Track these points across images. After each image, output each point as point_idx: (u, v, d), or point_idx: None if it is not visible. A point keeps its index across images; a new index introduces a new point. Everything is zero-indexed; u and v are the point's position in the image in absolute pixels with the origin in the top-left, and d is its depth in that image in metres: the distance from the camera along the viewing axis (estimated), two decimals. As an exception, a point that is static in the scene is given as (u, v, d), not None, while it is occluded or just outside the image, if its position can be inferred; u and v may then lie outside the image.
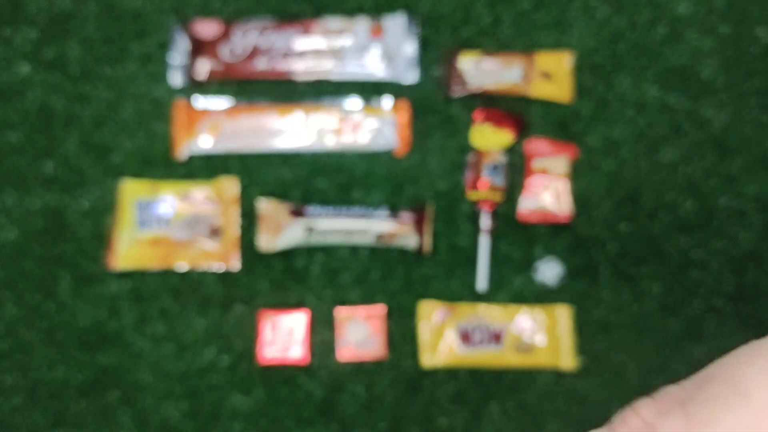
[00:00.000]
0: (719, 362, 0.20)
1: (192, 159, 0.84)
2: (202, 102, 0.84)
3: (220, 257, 0.82)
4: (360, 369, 0.82)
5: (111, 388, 0.81)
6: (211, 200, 0.83)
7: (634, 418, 0.19)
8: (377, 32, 0.84)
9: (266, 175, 0.84)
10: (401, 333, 0.82)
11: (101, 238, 0.82)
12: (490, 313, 0.81)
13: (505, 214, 0.83)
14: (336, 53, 0.84)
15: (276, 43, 0.84)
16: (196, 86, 0.84)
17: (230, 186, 0.83)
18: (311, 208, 0.81)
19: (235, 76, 0.84)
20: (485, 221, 0.82)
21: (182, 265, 0.82)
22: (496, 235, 0.83)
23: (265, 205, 0.82)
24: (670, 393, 0.20)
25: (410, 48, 0.84)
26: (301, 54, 0.84)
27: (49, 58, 0.84)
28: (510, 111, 0.84)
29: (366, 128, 0.83)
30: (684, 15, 0.85)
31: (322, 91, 0.84)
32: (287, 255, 0.82)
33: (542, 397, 0.81)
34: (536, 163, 0.83)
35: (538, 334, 0.81)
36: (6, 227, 0.82)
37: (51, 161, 0.83)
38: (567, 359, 0.81)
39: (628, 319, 0.82)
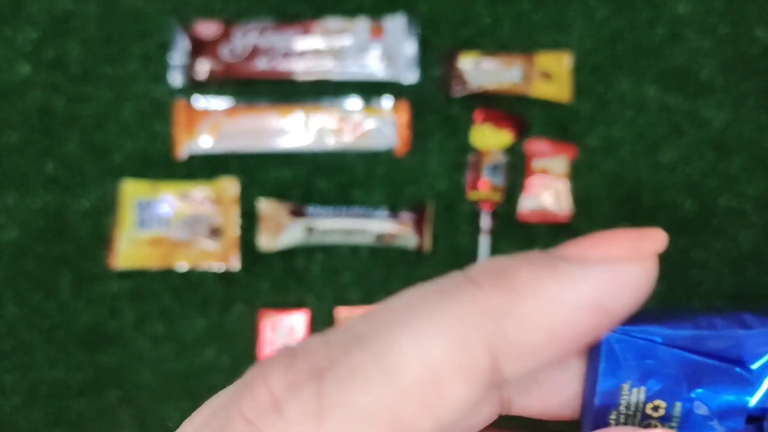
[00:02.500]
0: (378, 311, 0.16)
1: (192, 159, 0.84)
2: (202, 102, 0.84)
3: (220, 257, 0.82)
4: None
5: (111, 388, 0.81)
6: (211, 200, 0.83)
7: (262, 388, 0.15)
8: (377, 32, 0.84)
9: (266, 175, 0.84)
10: (401, 333, 0.82)
11: (101, 238, 0.82)
12: (490, 313, 0.81)
13: (505, 214, 0.83)
14: (336, 53, 0.84)
15: (276, 43, 0.84)
16: (196, 86, 0.84)
17: (230, 186, 0.83)
18: (311, 208, 0.82)
19: (235, 76, 0.84)
20: (485, 221, 0.82)
21: (182, 265, 0.82)
22: (496, 235, 0.83)
23: (265, 205, 0.82)
24: (310, 354, 0.15)
25: (410, 48, 0.84)
26: (301, 54, 0.84)
27: (50, 58, 0.84)
28: (510, 111, 0.84)
29: (366, 128, 0.83)
30: (683, 15, 0.85)
31: (322, 91, 0.84)
32: (287, 255, 0.82)
33: (542, 397, 0.81)
34: (536, 163, 0.83)
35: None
36: (7, 227, 0.83)
37: (51, 161, 0.83)
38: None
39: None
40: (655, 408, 0.18)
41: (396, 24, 0.84)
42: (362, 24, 0.84)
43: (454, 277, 0.16)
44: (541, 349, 0.15)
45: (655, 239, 0.17)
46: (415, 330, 0.15)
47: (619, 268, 0.16)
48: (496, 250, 0.83)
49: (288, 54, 0.84)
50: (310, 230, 0.81)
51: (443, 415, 0.14)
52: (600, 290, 0.16)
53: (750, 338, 0.19)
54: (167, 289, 0.82)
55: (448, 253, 0.83)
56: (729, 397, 0.19)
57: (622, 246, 0.16)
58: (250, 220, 0.83)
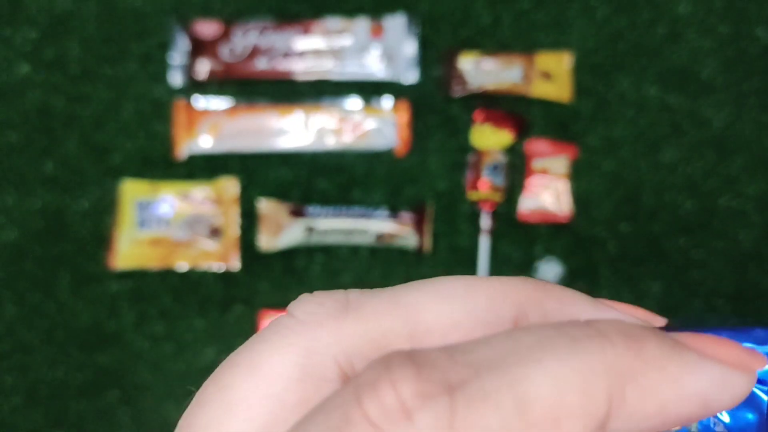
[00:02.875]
0: (502, 340, 0.16)
1: (192, 159, 0.84)
2: (202, 102, 0.84)
3: (220, 257, 0.82)
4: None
5: (111, 388, 0.81)
6: (211, 200, 0.83)
7: (389, 390, 0.15)
8: (377, 32, 0.84)
9: (266, 175, 0.84)
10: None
11: (101, 238, 0.82)
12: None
13: (505, 214, 0.83)
14: (336, 53, 0.84)
15: (276, 43, 0.84)
16: (196, 86, 0.84)
17: (230, 186, 0.83)
18: (311, 208, 0.81)
19: (235, 76, 0.84)
20: (485, 221, 0.82)
21: (182, 265, 0.82)
22: (496, 235, 0.83)
23: (265, 205, 0.82)
24: (438, 367, 0.16)
25: (410, 48, 0.84)
26: (301, 54, 0.84)
27: (49, 58, 0.84)
28: (510, 111, 0.84)
29: (366, 128, 0.83)
30: (683, 15, 0.85)
31: (322, 91, 0.84)
32: (287, 255, 0.82)
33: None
34: (536, 163, 0.83)
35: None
36: (6, 227, 0.82)
37: (51, 161, 0.83)
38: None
39: (628, 319, 0.82)
40: None
41: (396, 24, 0.84)
42: (362, 24, 0.84)
43: (583, 328, 0.17)
44: (647, 419, 0.17)
45: (761, 360, 0.18)
46: (548, 368, 0.16)
47: (731, 371, 0.18)
48: (496, 250, 0.83)
49: (288, 54, 0.84)
50: (310, 230, 0.81)
51: None
52: (712, 386, 0.17)
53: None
54: (167, 289, 0.82)
55: (448, 253, 0.83)
56: (747, 415, 0.20)
57: (735, 353, 0.18)
58: (250, 220, 0.83)
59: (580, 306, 0.19)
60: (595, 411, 0.15)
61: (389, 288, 0.19)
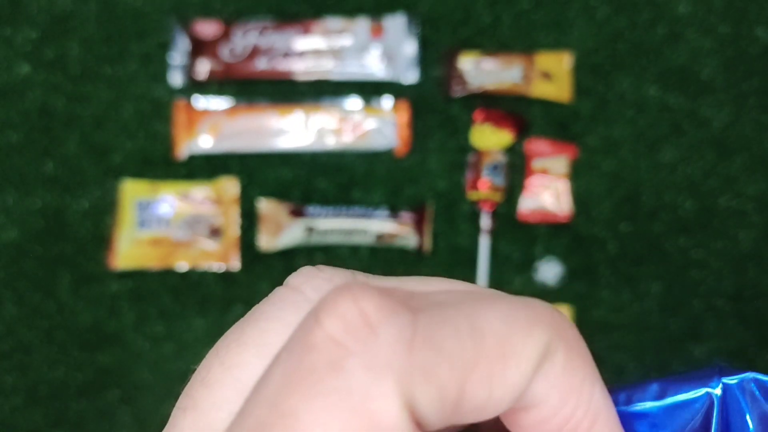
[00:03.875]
0: (466, 289, 0.18)
1: (192, 159, 0.84)
2: (202, 102, 0.84)
3: (220, 257, 0.82)
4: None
5: (111, 388, 0.81)
6: (211, 200, 0.83)
7: (350, 305, 0.15)
8: (377, 32, 0.84)
9: (266, 175, 0.84)
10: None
11: (101, 238, 0.82)
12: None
13: (505, 214, 0.83)
14: (336, 53, 0.84)
15: (276, 43, 0.84)
16: (196, 86, 0.84)
17: (230, 186, 0.83)
18: (311, 208, 0.81)
19: (235, 76, 0.84)
20: (485, 221, 0.82)
21: (182, 265, 0.82)
22: (496, 235, 0.83)
23: (265, 205, 0.82)
24: (400, 295, 0.16)
25: (410, 48, 0.84)
26: (301, 54, 0.84)
27: (50, 58, 0.84)
28: (510, 111, 0.84)
29: (366, 128, 0.83)
30: (683, 15, 0.85)
31: (322, 91, 0.84)
32: (287, 255, 0.82)
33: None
34: (536, 163, 0.83)
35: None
36: (6, 227, 0.82)
37: (51, 161, 0.83)
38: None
39: (628, 319, 0.82)
40: None
41: (396, 24, 0.84)
42: (362, 24, 0.84)
43: (538, 300, 0.18)
44: (567, 388, 0.18)
45: None
46: (501, 309, 0.16)
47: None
48: (496, 250, 0.83)
49: (288, 54, 0.84)
50: (310, 230, 0.81)
51: (496, 392, 0.16)
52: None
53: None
54: (167, 289, 0.82)
55: (448, 253, 0.83)
56: None
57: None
58: (250, 220, 0.83)
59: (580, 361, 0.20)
60: (534, 354, 0.16)
61: (399, 277, 0.19)
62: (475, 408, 0.16)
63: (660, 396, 0.20)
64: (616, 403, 0.19)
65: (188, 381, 0.18)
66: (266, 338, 0.18)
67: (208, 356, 0.19)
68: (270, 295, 0.18)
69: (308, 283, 0.18)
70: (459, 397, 0.15)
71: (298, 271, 0.18)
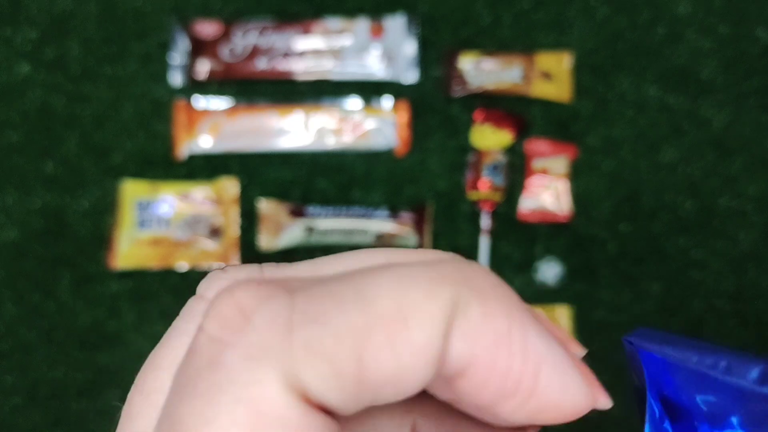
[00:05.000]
0: (353, 270, 0.16)
1: (192, 159, 0.84)
2: (202, 102, 0.84)
3: (220, 257, 0.82)
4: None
5: (111, 388, 0.81)
6: (211, 200, 0.83)
7: (228, 301, 0.15)
8: (377, 32, 0.84)
9: (266, 175, 0.84)
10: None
11: (101, 238, 0.82)
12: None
13: (505, 214, 0.83)
14: (336, 53, 0.84)
15: (276, 43, 0.84)
16: (196, 86, 0.84)
17: (230, 186, 0.83)
18: (311, 208, 0.81)
19: (235, 76, 0.84)
20: (485, 221, 0.82)
21: (182, 265, 0.82)
22: (496, 235, 0.83)
23: (265, 205, 0.82)
24: (283, 275, 0.16)
25: (410, 48, 0.84)
26: (301, 54, 0.84)
27: (50, 58, 0.84)
28: (510, 111, 0.84)
29: (366, 128, 0.83)
30: (683, 15, 0.85)
31: (322, 91, 0.84)
32: (287, 255, 0.82)
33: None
34: (536, 163, 0.83)
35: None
36: (6, 227, 0.82)
37: (51, 161, 0.83)
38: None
39: (628, 319, 0.82)
40: None
41: (396, 24, 0.84)
42: (362, 24, 0.84)
43: (440, 254, 0.17)
44: (485, 348, 0.17)
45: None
46: (394, 271, 0.15)
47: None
48: (496, 250, 0.83)
49: (288, 54, 0.84)
50: (310, 230, 0.81)
51: (403, 357, 0.15)
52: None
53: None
54: (167, 289, 0.82)
55: (448, 253, 0.83)
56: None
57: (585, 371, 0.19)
58: (250, 220, 0.83)
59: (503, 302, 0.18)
60: (439, 313, 0.15)
61: (311, 260, 0.18)
62: (385, 380, 0.15)
63: (762, 381, 0.18)
64: (714, 367, 0.18)
65: (117, 418, 0.17)
66: (177, 355, 0.17)
67: (132, 388, 0.18)
68: (183, 308, 0.18)
69: (211, 288, 0.17)
70: (359, 369, 0.14)
71: (206, 276, 0.18)
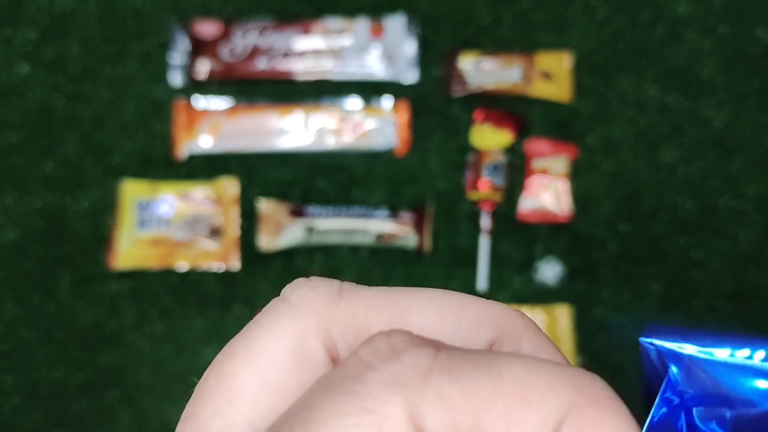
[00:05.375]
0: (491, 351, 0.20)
1: (192, 159, 0.84)
2: (202, 102, 0.84)
3: (220, 257, 0.82)
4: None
5: (111, 388, 0.81)
6: (211, 200, 0.83)
7: (383, 339, 0.18)
8: (377, 32, 0.84)
9: (266, 175, 0.84)
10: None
11: (101, 238, 0.82)
12: (490, 313, 0.81)
13: (505, 214, 0.83)
14: (336, 53, 0.84)
15: (276, 43, 0.84)
16: (196, 86, 0.84)
17: (230, 186, 0.83)
18: (311, 208, 0.81)
19: (235, 76, 0.84)
20: (485, 221, 0.82)
21: (182, 265, 0.82)
22: (496, 235, 0.83)
23: (265, 205, 0.82)
24: (432, 341, 0.18)
25: (410, 48, 0.84)
26: (301, 54, 0.84)
27: (50, 58, 0.84)
28: (510, 111, 0.84)
29: (366, 128, 0.83)
30: (683, 15, 0.85)
31: (322, 91, 0.84)
32: (287, 255, 0.82)
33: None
34: (536, 163, 0.83)
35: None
36: (6, 227, 0.82)
37: (51, 161, 0.83)
38: (567, 359, 0.81)
39: (627, 319, 0.82)
40: None
41: (396, 24, 0.84)
42: (362, 24, 0.84)
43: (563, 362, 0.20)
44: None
45: None
46: (525, 360, 0.18)
47: None
48: (496, 250, 0.83)
49: (288, 54, 0.84)
50: (310, 230, 0.81)
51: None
52: None
53: None
54: (167, 289, 0.82)
55: (448, 253, 0.83)
56: None
57: None
58: (250, 220, 0.83)
59: (549, 352, 0.21)
60: (555, 407, 0.17)
61: (386, 287, 0.20)
62: None
63: None
64: (749, 357, 0.19)
65: (190, 393, 0.20)
66: (253, 347, 0.19)
67: (207, 369, 0.20)
68: (265, 306, 0.20)
69: (294, 293, 0.20)
70: (474, 426, 0.16)
71: (291, 282, 0.20)
